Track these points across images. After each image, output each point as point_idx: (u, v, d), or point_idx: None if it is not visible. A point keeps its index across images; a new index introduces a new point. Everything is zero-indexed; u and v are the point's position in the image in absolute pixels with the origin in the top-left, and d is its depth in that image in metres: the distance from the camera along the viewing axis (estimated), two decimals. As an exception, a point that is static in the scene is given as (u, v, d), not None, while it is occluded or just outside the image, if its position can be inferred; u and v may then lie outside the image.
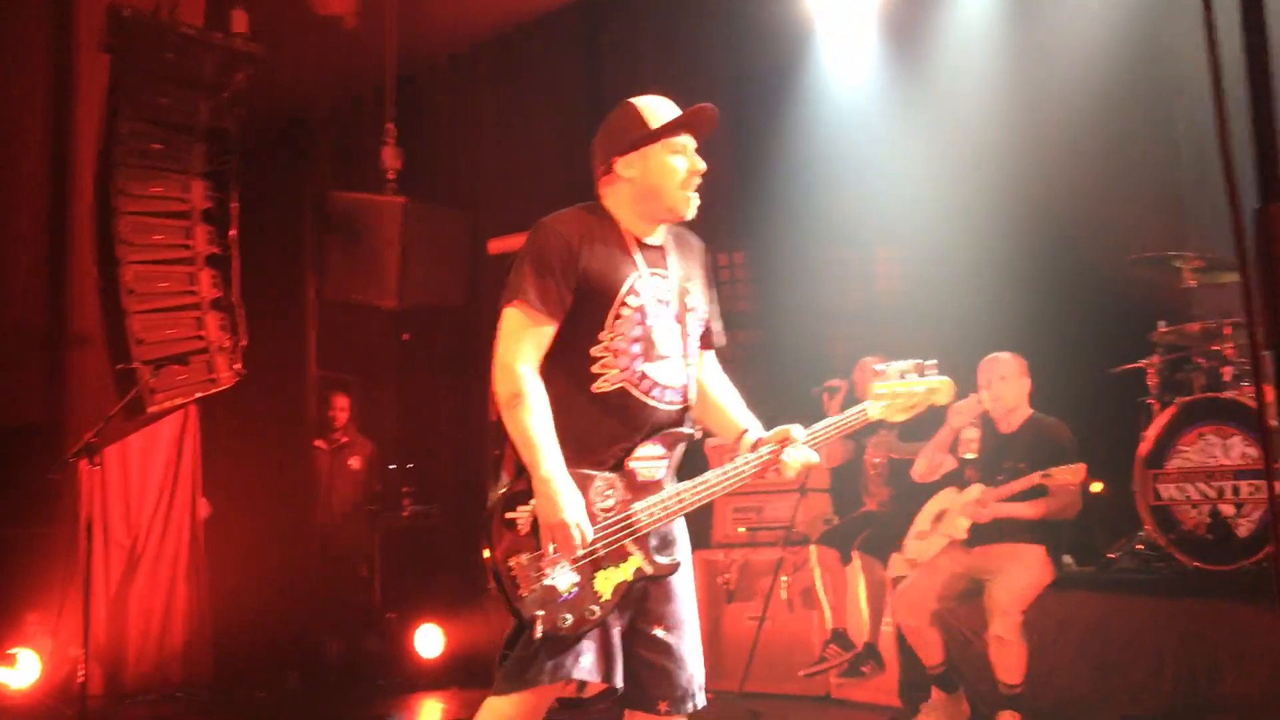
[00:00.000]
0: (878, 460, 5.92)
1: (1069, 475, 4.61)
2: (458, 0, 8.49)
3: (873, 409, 2.94)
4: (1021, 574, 4.73)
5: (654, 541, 2.75)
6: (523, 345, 2.74)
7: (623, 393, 2.75)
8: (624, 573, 2.70)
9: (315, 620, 7.62)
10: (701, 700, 2.79)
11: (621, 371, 2.76)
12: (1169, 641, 4.64)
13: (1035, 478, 4.74)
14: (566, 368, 2.77)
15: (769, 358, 7.85)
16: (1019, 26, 6.83)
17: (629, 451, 2.75)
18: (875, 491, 5.98)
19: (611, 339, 2.76)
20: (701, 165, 2.85)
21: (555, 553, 2.66)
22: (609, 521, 2.71)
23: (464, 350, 8.28)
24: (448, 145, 8.40)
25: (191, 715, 6.22)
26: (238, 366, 6.85)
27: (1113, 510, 5.67)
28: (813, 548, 5.88)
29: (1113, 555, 5.47)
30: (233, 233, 6.89)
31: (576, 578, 2.66)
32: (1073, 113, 6.47)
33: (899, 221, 7.42)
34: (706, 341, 3.00)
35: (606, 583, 2.69)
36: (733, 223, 8.03)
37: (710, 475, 2.80)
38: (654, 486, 2.75)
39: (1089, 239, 6.18)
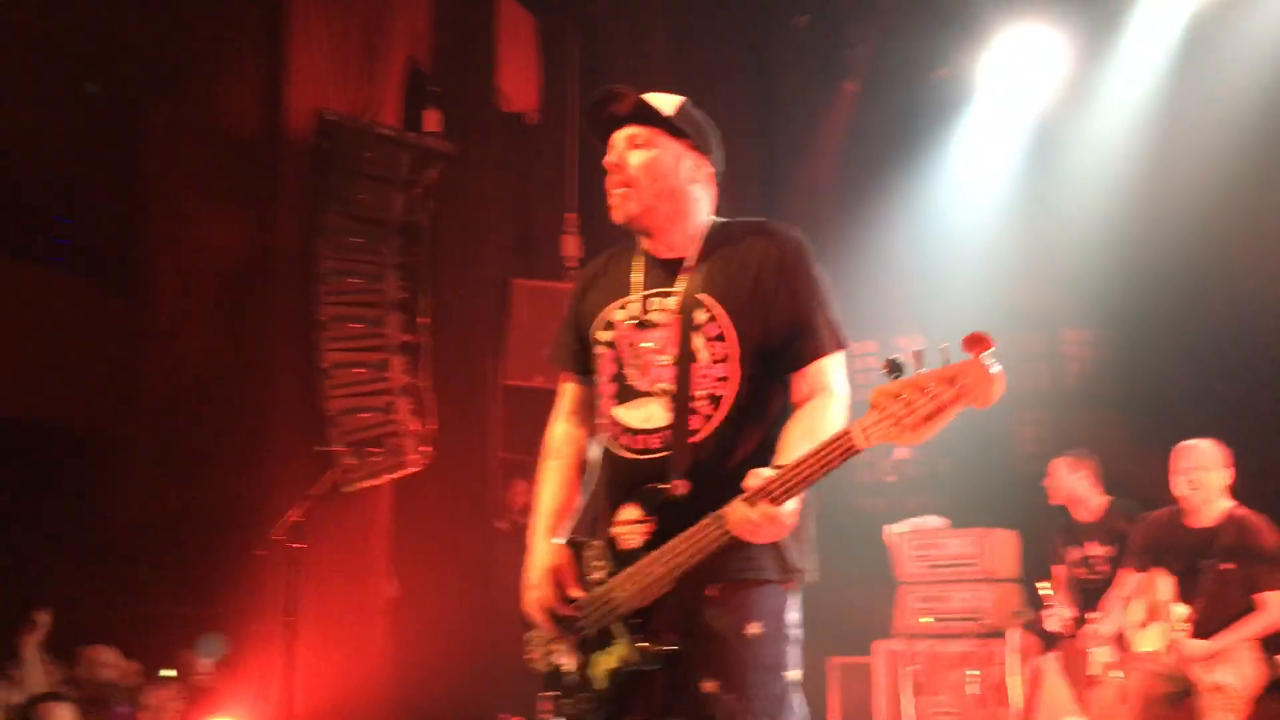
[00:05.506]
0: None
1: None
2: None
3: (859, 434, 1.93)
4: (1233, 673, 4.39)
5: (642, 623, 2.19)
6: (558, 405, 2.54)
7: (606, 447, 2.37)
8: (612, 658, 2.23)
9: (497, 696, 7.69)
10: None
11: (605, 422, 2.37)
12: None
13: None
14: (594, 426, 2.46)
15: (950, 446, 7.63)
16: (1201, 86, 6.56)
17: (614, 515, 2.28)
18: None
19: (599, 385, 2.39)
20: (611, 159, 2.45)
21: (537, 628, 2.34)
22: (594, 597, 2.26)
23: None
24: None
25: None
26: (425, 449, 7.07)
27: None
28: (1012, 632, 5.55)
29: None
30: (423, 321, 7.18)
31: (577, 659, 2.30)
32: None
33: (1087, 302, 7.17)
34: (794, 359, 2.27)
35: (600, 668, 2.26)
36: (909, 305, 7.91)
37: (677, 540, 2.13)
38: (632, 557, 2.21)
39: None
